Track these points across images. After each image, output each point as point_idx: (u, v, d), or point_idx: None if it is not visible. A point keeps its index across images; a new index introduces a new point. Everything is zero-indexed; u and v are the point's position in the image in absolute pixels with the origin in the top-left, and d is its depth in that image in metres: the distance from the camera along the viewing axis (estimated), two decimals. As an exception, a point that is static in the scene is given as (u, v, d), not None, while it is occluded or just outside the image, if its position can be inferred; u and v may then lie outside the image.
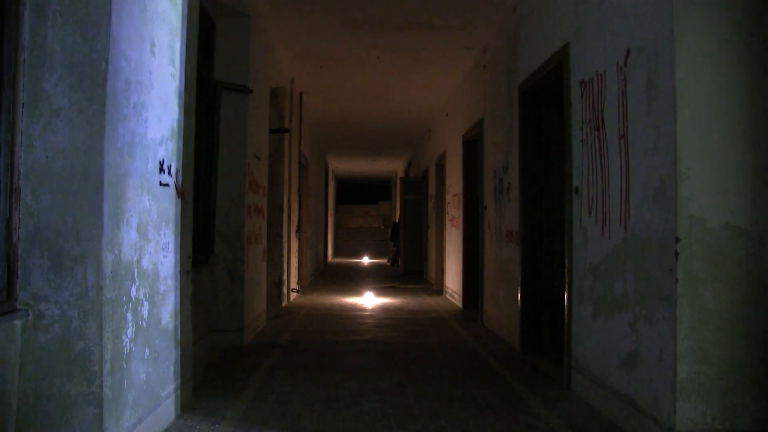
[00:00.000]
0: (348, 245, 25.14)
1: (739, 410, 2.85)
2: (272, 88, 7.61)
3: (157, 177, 3.17)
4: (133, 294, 2.87)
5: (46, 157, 2.56)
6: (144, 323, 3.00)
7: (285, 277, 8.37)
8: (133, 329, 2.87)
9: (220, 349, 5.32)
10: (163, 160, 3.25)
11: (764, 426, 2.85)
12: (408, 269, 14.51)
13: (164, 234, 3.28)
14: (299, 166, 9.81)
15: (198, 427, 3.32)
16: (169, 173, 3.34)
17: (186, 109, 3.61)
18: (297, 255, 9.75)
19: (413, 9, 6.34)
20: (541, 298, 5.35)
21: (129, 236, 2.82)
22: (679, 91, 2.90)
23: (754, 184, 2.90)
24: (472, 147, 8.19)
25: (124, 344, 2.76)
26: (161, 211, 3.24)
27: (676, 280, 2.87)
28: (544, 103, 5.37)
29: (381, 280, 13.05)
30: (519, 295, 5.45)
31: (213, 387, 4.11)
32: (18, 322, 2.51)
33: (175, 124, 3.43)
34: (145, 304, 3.01)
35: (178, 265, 3.52)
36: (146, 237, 3.03)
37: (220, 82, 5.57)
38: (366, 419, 3.50)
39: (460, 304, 8.63)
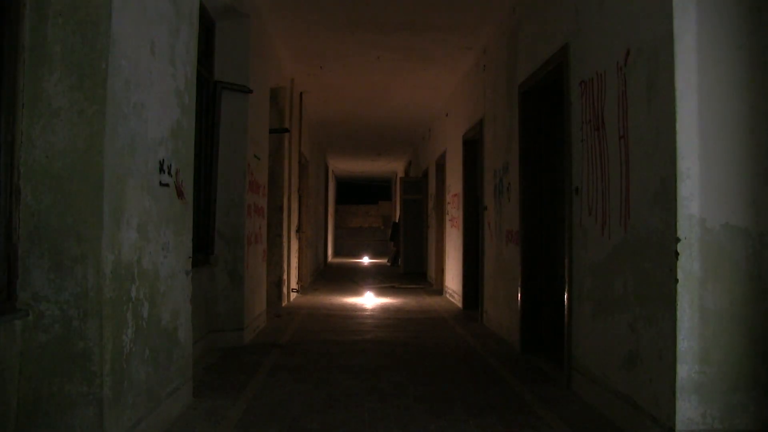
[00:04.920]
0: (348, 245, 25.13)
1: (739, 410, 2.85)
2: (272, 88, 7.60)
3: (157, 177, 3.17)
4: (133, 294, 2.87)
5: (46, 157, 2.56)
6: (144, 323, 3.00)
7: (285, 277, 8.37)
8: (133, 329, 2.87)
9: (220, 349, 5.32)
10: (163, 160, 3.25)
11: (764, 426, 2.85)
12: (408, 269, 14.51)
13: (164, 234, 3.28)
14: (299, 166, 9.81)
15: (198, 428, 3.32)
16: (169, 173, 3.34)
17: (186, 109, 3.61)
18: (297, 255, 9.75)
19: (413, 9, 6.34)
20: (541, 298, 5.35)
21: (129, 236, 2.82)
22: (679, 91, 2.90)
23: (754, 184, 2.90)
24: (472, 147, 8.19)
25: (124, 344, 2.76)
26: (161, 211, 3.24)
27: (676, 280, 2.87)
28: (544, 103, 5.37)
29: (381, 280, 13.05)
30: (519, 295, 5.45)
31: (213, 387, 4.11)
32: (18, 322, 2.51)
33: (175, 124, 3.43)
34: (145, 304, 3.01)
35: (178, 265, 3.52)
36: (146, 237, 3.03)
37: (220, 82, 5.57)
38: (366, 419, 3.50)
39: (460, 304, 8.63)
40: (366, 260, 21.61)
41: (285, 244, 8.23)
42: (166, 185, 3.31)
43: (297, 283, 9.68)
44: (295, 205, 9.40)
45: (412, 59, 8.05)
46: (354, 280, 13.29)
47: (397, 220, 18.14)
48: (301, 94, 9.58)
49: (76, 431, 2.53)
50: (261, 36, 6.37)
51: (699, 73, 2.91)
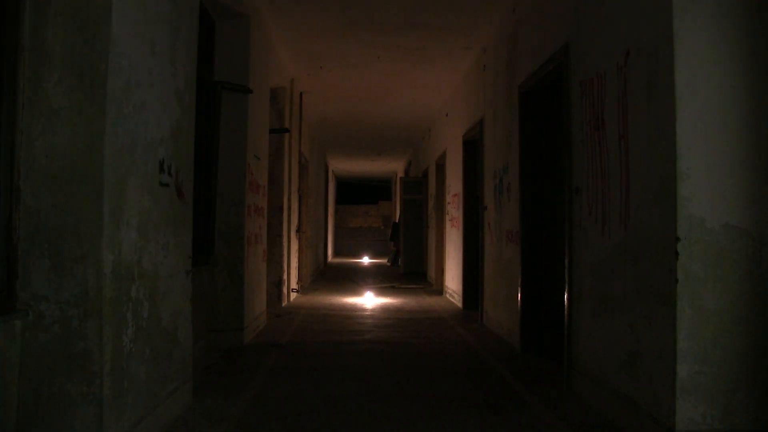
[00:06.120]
0: (348, 245, 25.14)
1: (739, 410, 2.85)
2: (272, 88, 7.61)
3: (157, 177, 3.17)
4: (133, 294, 2.87)
5: (46, 157, 2.56)
6: (144, 323, 3.00)
7: (285, 277, 8.37)
8: (133, 329, 2.87)
9: (220, 349, 5.32)
10: (163, 160, 3.25)
11: (765, 426, 2.85)
12: (408, 269, 14.51)
13: (164, 234, 3.28)
14: (299, 166, 9.81)
15: (198, 428, 3.31)
16: (169, 173, 3.34)
17: (186, 109, 3.61)
18: (297, 255, 9.75)
19: (413, 9, 6.34)
20: (541, 298, 5.35)
21: (129, 236, 2.82)
22: (679, 91, 2.90)
23: (754, 184, 2.89)
24: (472, 147, 8.19)
25: (124, 344, 2.76)
26: (161, 211, 3.24)
27: (676, 280, 2.87)
28: (544, 103, 5.37)
29: (381, 280, 13.05)
30: (519, 295, 5.45)
31: (213, 387, 4.11)
32: (18, 322, 2.51)
33: (175, 124, 3.43)
34: (145, 304, 3.01)
35: (178, 265, 3.52)
36: (146, 237, 3.03)
37: (220, 82, 5.57)
38: (366, 419, 3.50)
39: (460, 304, 8.63)
40: (366, 260, 21.61)
41: (285, 244, 8.23)
42: (166, 185, 3.31)
43: (297, 283, 9.68)
44: (295, 205, 9.40)
45: (412, 59, 8.05)
46: (354, 280, 13.29)
47: (397, 220, 18.14)
48: (301, 94, 9.58)
49: (76, 431, 2.53)
50: (261, 36, 6.37)
51: (699, 73, 2.91)
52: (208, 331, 5.31)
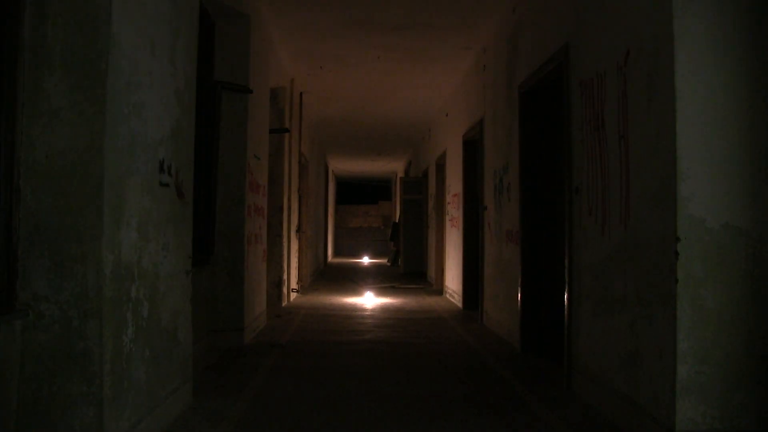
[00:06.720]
0: (348, 245, 25.13)
1: (739, 410, 2.85)
2: (272, 88, 7.60)
3: (157, 177, 3.17)
4: (133, 294, 2.87)
5: (46, 157, 2.56)
6: (144, 323, 3.00)
7: (285, 277, 8.37)
8: (133, 329, 2.87)
9: (220, 349, 5.32)
10: (163, 160, 3.25)
11: (765, 426, 2.85)
12: (408, 269, 14.50)
13: (164, 234, 3.28)
14: (299, 166, 9.81)
15: (198, 428, 3.31)
16: (169, 173, 3.34)
17: (186, 109, 3.61)
18: (297, 255, 9.75)
19: (413, 9, 6.34)
20: (541, 298, 5.35)
21: (129, 236, 2.82)
22: (679, 91, 2.90)
23: (754, 184, 2.89)
24: (472, 147, 8.19)
25: (124, 344, 2.76)
26: (161, 211, 3.24)
27: (676, 280, 2.87)
28: (544, 103, 5.37)
29: (381, 280, 13.05)
30: (519, 295, 5.45)
31: (213, 387, 4.11)
32: (18, 322, 2.51)
33: (175, 124, 3.43)
34: (145, 304, 3.01)
35: (178, 265, 3.52)
36: (146, 237, 3.03)
37: (220, 82, 5.57)
38: (366, 419, 3.50)
39: (460, 304, 8.63)
40: (366, 260, 21.61)
41: (285, 244, 8.23)
42: (166, 185, 3.31)
43: (297, 283, 9.68)
44: (295, 205, 9.40)
45: (412, 59, 8.05)
46: (354, 280, 13.29)
47: (397, 220, 18.13)
48: (301, 94, 9.58)
49: (76, 431, 2.53)
50: (261, 36, 6.37)
51: (699, 73, 2.91)
52: (208, 331, 5.31)
